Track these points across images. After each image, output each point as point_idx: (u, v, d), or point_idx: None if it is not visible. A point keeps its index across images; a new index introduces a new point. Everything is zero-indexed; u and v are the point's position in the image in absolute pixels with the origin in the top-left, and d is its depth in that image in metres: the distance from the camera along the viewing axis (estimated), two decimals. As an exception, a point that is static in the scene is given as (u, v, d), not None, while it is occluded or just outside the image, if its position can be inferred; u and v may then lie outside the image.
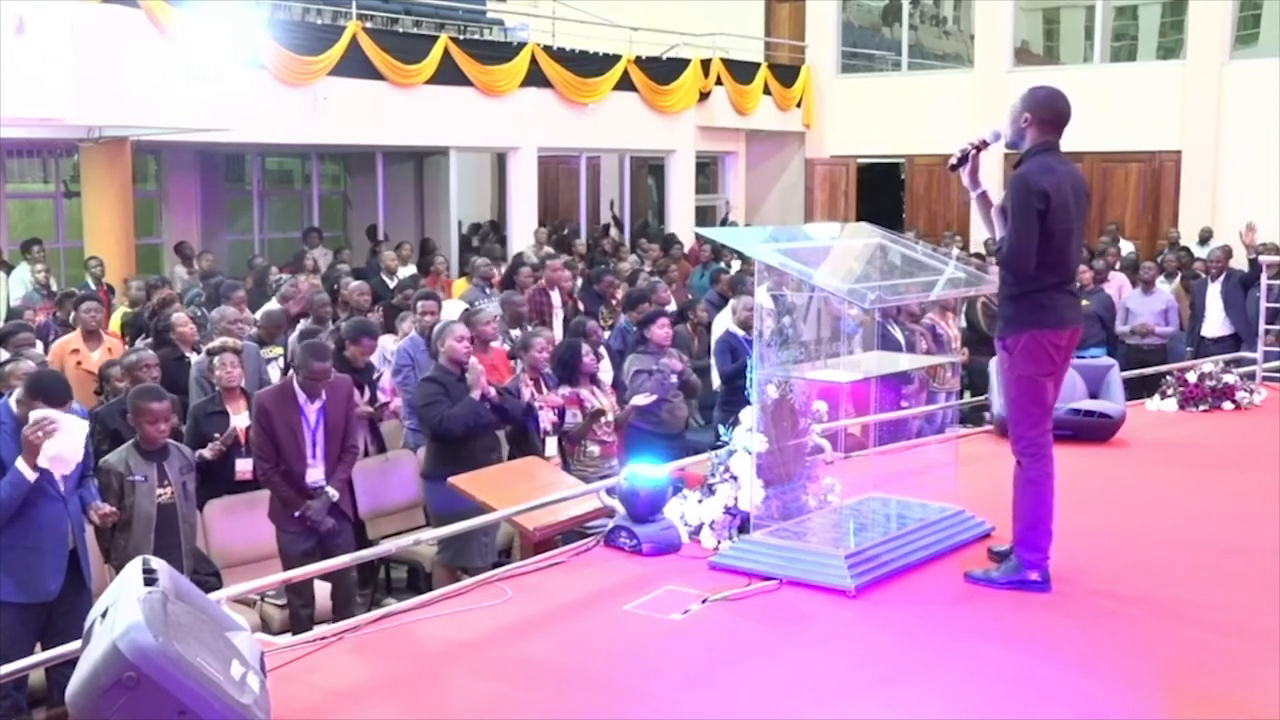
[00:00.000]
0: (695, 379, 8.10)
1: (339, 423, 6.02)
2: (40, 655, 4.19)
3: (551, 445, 6.97)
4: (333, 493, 5.94)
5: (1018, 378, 4.45)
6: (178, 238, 14.52)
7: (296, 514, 5.86)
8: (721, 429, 5.47)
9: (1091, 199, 4.72)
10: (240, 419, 6.53)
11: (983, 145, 4.55)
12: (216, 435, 6.40)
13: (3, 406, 4.88)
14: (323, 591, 6.03)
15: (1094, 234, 16.43)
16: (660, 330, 7.77)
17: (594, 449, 6.92)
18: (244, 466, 6.49)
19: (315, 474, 5.93)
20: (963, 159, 4.55)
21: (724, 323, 9.43)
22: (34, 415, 4.68)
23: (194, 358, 7.77)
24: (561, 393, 6.99)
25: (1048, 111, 4.43)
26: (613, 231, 18.20)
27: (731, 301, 8.98)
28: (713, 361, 9.43)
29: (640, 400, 7.25)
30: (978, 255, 14.21)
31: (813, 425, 5.17)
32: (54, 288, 11.11)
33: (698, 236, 16.01)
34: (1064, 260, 4.40)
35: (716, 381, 9.32)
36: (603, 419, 6.95)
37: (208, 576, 5.88)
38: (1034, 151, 4.44)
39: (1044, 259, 4.33)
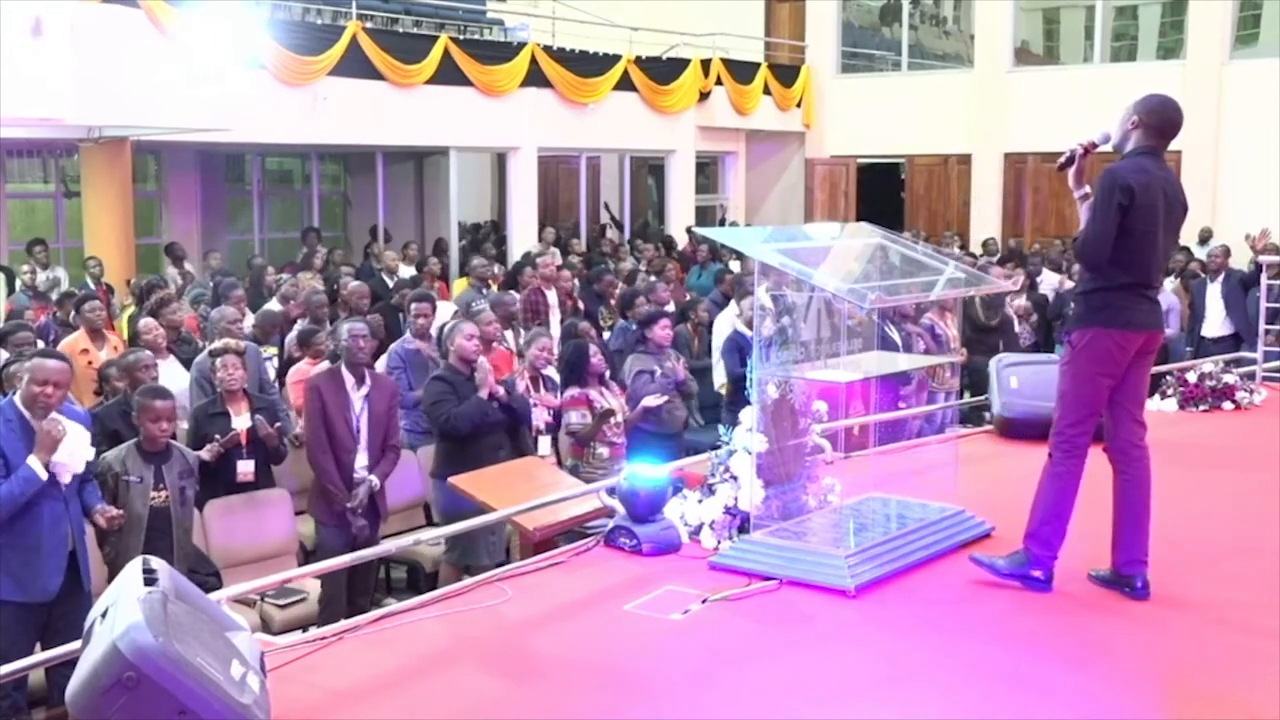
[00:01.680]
0: (693, 384, 8.11)
1: (382, 418, 6.31)
2: (40, 655, 4.18)
3: (545, 444, 6.98)
4: (375, 480, 6.21)
5: (1075, 373, 4.38)
6: (178, 238, 14.53)
7: (343, 505, 6.08)
8: (722, 429, 5.47)
9: (1188, 209, 4.58)
10: (241, 420, 6.52)
11: (1091, 147, 4.50)
12: (218, 436, 6.41)
13: (7, 404, 4.88)
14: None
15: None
16: (661, 331, 7.78)
17: (603, 451, 6.90)
18: (245, 468, 6.49)
19: (360, 460, 6.20)
20: (1069, 160, 4.52)
21: (727, 322, 9.43)
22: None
23: (163, 363, 7.70)
24: (570, 394, 6.99)
25: (1156, 117, 4.39)
26: (611, 232, 18.21)
27: (740, 302, 8.98)
28: (715, 361, 9.45)
29: (651, 401, 7.26)
30: (973, 255, 14.23)
31: (813, 425, 5.17)
32: (61, 287, 11.07)
33: (692, 236, 16.01)
34: (1141, 261, 4.32)
35: (718, 381, 9.34)
36: (612, 419, 6.93)
37: (208, 576, 5.87)
38: (1133, 153, 4.39)
39: (1119, 257, 4.26)
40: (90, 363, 7.88)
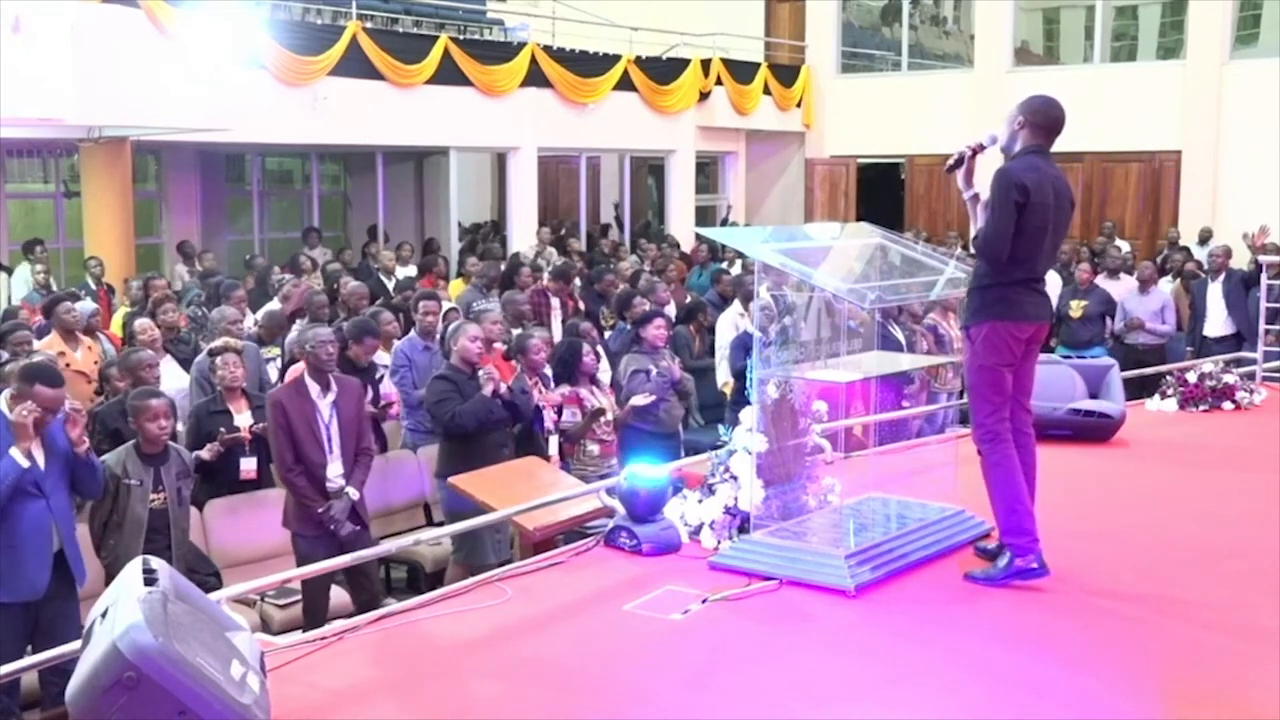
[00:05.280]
0: (689, 384, 8.12)
1: (352, 422, 6.00)
2: (32, 659, 4.14)
3: (553, 445, 6.98)
4: (353, 493, 5.92)
5: (979, 366, 4.56)
6: (178, 238, 14.54)
7: (320, 510, 5.79)
8: (722, 429, 5.47)
9: (1075, 205, 4.77)
10: (243, 418, 6.53)
11: (979, 149, 4.64)
12: (223, 430, 6.40)
13: None
14: (339, 598, 6.05)
15: (1093, 233, 16.47)
16: (655, 331, 7.77)
17: (594, 448, 6.92)
18: (248, 466, 6.49)
19: (334, 469, 5.90)
20: (958, 161, 4.63)
21: (729, 322, 9.44)
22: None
23: (163, 363, 7.69)
24: (561, 392, 7.00)
25: (1041, 117, 4.54)
26: (612, 232, 18.21)
27: (748, 304, 8.99)
28: (717, 361, 9.45)
29: (640, 400, 7.26)
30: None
31: (813, 425, 5.17)
32: (54, 288, 11.10)
33: (697, 236, 16.03)
34: (1033, 258, 4.48)
35: (720, 380, 9.34)
36: (603, 418, 6.95)
37: (208, 576, 5.88)
38: (1022, 153, 4.54)
39: (1014, 254, 4.41)
40: (68, 364, 7.87)
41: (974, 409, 4.62)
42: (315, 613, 5.79)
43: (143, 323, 7.96)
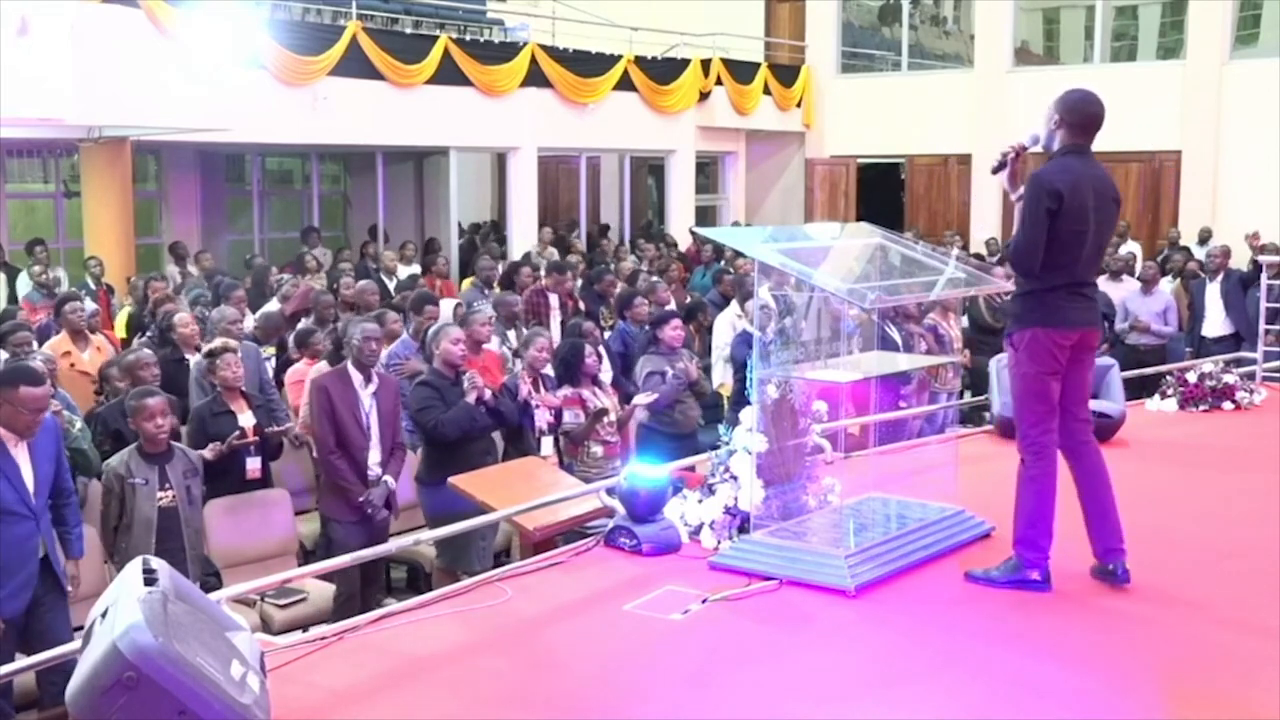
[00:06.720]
0: (706, 384, 8.11)
1: (390, 415, 6.32)
2: (28, 660, 4.12)
3: (547, 445, 6.97)
4: (391, 482, 6.25)
5: (1022, 375, 4.46)
6: (178, 238, 14.52)
7: (360, 500, 6.07)
8: (722, 429, 5.47)
9: (1120, 203, 4.62)
10: (246, 418, 6.53)
11: (1022, 150, 4.56)
12: (240, 432, 6.41)
13: None
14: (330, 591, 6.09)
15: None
16: (672, 331, 7.77)
17: (598, 449, 6.90)
18: (254, 465, 6.52)
19: (373, 456, 6.22)
20: (1001, 164, 4.57)
21: (727, 322, 9.44)
22: None
23: (193, 359, 7.75)
24: (563, 393, 6.98)
25: (1076, 114, 4.43)
26: (611, 233, 18.21)
27: (745, 304, 8.98)
28: (714, 361, 9.44)
29: (643, 399, 7.24)
30: (978, 256, 14.21)
31: (813, 425, 5.17)
32: (62, 287, 11.09)
33: (695, 236, 16.00)
34: (1073, 262, 4.37)
35: (716, 381, 9.33)
36: (605, 419, 6.93)
37: (208, 576, 5.88)
38: (1060, 153, 4.44)
39: (1052, 259, 4.31)
40: (73, 365, 7.86)
41: (1018, 419, 4.52)
42: (351, 600, 5.87)
43: (183, 317, 8.00)
